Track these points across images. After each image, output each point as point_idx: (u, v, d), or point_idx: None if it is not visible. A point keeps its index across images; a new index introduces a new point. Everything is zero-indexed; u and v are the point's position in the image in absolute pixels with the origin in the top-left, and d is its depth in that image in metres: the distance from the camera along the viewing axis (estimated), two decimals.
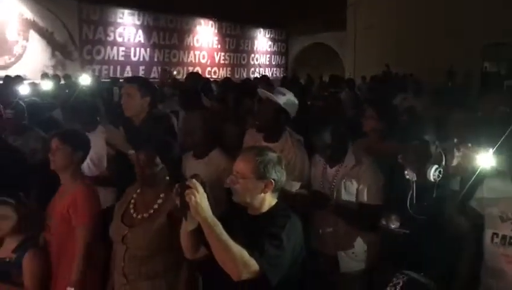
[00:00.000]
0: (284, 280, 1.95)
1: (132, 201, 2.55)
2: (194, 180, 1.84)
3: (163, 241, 2.36)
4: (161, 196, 2.48)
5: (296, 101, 3.18)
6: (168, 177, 2.50)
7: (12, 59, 11.92)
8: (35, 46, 12.45)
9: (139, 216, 2.47)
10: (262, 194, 2.07)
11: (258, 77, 13.84)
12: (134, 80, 3.77)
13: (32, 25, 12.33)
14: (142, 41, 15.46)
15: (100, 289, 2.71)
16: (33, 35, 12.40)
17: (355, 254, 2.88)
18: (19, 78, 7.78)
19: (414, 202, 2.56)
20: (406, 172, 2.60)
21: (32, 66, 11.84)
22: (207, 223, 1.81)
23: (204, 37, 17.65)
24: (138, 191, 2.57)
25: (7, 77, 8.50)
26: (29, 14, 12.26)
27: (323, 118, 3.02)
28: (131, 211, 2.51)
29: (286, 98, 3.10)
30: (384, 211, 2.64)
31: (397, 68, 12.83)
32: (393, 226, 2.54)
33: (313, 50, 19.92)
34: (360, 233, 2.87)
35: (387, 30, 15.14)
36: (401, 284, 1.65)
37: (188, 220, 1.95)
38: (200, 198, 1.80)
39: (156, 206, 2.46)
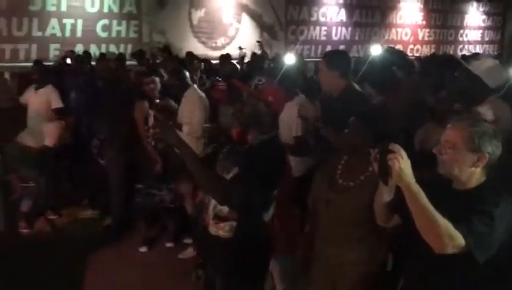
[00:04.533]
0: (491, 261, 1.80)
1: (339, 168, 2.62)
2: (397, 145, 1.78)
3: (368, 211, 2.32)
4: (370, 169, 2.48)
5: (499, 67, 2.93)
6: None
7: (227, 40, 13.15)
8: (246, 27, 13.50)
9: (345, 183, 2.55)
10: (473, 168, 1.90)
11: (466, 54, 12.71)
12: (324, 55, 3.83)
13: (245, 8, 13.40)
14: (344, 20, 15.51)
15: None
16: (245, 18, 13.47)
17: None
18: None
19: None
20: None
21: (243, 46, 12.95)
22: (410, 190, 1.75)
23: (408, 14, 16.83)
24: (345, 158, 2.63)
25: (224, 56, 9.52)
26: None
27: None
28: (338, 177, 2.59)
29: (483, 65, 2.87)
30: None
31: None
32: None
33: None
34: None
35: None
36: None
37: (388, 188, 1.95)
38: (404, 163, 1.74)
39: (368, 173, 2.46)
